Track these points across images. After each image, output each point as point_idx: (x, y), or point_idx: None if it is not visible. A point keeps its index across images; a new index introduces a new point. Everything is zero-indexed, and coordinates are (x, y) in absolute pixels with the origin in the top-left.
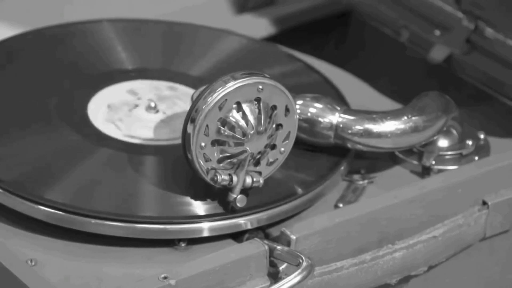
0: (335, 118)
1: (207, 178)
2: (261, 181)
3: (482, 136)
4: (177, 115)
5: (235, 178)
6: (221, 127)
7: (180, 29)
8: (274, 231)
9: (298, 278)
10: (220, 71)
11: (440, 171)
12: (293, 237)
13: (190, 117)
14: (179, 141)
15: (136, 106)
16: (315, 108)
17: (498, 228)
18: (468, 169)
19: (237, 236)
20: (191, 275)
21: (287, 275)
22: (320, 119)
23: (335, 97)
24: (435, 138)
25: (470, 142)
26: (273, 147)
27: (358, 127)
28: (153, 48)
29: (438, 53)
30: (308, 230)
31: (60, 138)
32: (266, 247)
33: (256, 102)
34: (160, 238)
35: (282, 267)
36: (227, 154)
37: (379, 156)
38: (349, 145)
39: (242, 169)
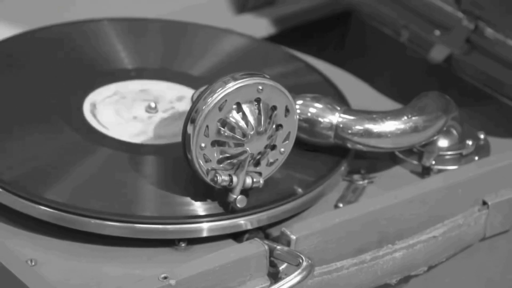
0: (335, 118)
1: (207, 179)
2: (261, 181)
3: (482, 136)
4: (177, 115)
5: (235, 179)
6: (221, 128)
7: (180, 28)
8: (274, 231)
9: (298, 278)
10: (220, 71)
11: (440, 171)
12: (293, 237)
13: (190, 117)
14: (179, 141)
15: (136, 106)
16: (315, 108)
17: (498, 228)
18: (468, 169)
19: (237, 236)
20: (191, 275)
21: (287, 275)
22: (320, 119)
23: (335, 97)
24: (435, 138)
25: (470, 142)
26: (273, 147)
27: (358, 127)
28: (153, 47)
29: (438, 53)
30: (308, 230)
31: (60, 138)
32: (266, 247)
33: (256, 103)
34: (160, 238)
35: (282, 267)
36: (227, 155)
37: (379, 156)
38: (349, 145)
39: (242, 169)
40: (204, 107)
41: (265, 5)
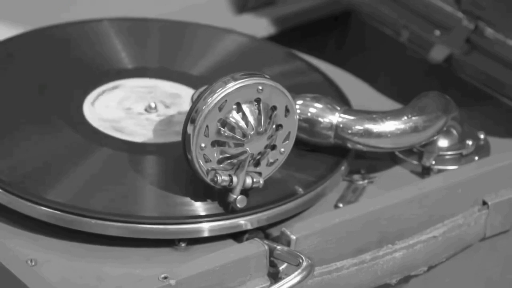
0: (335, 118)
1: (207, 179)
2: (261, 181)
3: (482, 136)
4: (177, 115)
5: (235, 179)
6: (221, 128)
7: (180, 28)
8: (274, 231)
9: (298, 278)
10: (220, 70)
11: (440, 171)
12: (293, 237)
13: (190, 117)
14: (179, 141)
15: (136, 105)
16: (315, 108)
17: (498, 228)
18: (468, 169)
19: (237, 236)
20: (191, 275)
21: (287, 275)
22: (320, 119)
23: (336, 96)
24: (435, 138)
25: (470, 142)
26: (273, 147)
27: (358, 127)
28: (153, 47)
29: (438, 53)
30: (308, 230)
31: (60, 138)
32: (266, 247)
33: (256, 103)
34: (160, 238)
35: (282, 267)
36: (227, 155)
37: (379, 156)
38: (349, 145)
39: (242, 169)
40: (204, 107)
41: (265, 5)
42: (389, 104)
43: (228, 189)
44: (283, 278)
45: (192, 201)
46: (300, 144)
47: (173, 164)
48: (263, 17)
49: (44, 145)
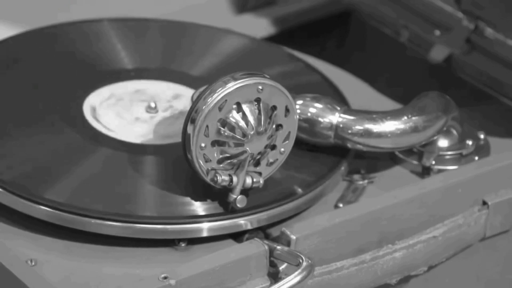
0: (335, 118)
1: (207, 179)
2: (261, 181)
3: (482, 136)
4: (177, 115)
5: (235, 179)
6: (221, 128)
7: (180, 28)
8: (274, 231)
9: (298, 278)
10: (220, 71)
11: (440, 171)
12: (293, 237)
13: (190, 117)
14: (179, 141)
15: (136, 106)
16: (315, 108)
17: (498, 228)
18: (468, 169)
19: (237, 236)
20: (191, 275)
21: (287, 275)
22: (320, 119)
23: (335, 97)
24: (435, 138)
25: (470, 142)
26: (273, 147)
27: (358, 127)
28: (153, 47)
29: (438, 53)
30: (308, 230)
31: (60, 138)
32: (266, 247)
33: (256, 103)
34: (160, 238)
35: (282, 267)
36: (227, 155)
37: (379, 156)
38: (349, 145)
39: (242, 169)
40: (204, 107)
41: (265, 5)
42: (389, 104)
43: (228, 189)
44: (283, 278)
45: (192, 201)
46: (300, 144)
47: (173, 164)
48: (263, 17)
49: (44, 144)
